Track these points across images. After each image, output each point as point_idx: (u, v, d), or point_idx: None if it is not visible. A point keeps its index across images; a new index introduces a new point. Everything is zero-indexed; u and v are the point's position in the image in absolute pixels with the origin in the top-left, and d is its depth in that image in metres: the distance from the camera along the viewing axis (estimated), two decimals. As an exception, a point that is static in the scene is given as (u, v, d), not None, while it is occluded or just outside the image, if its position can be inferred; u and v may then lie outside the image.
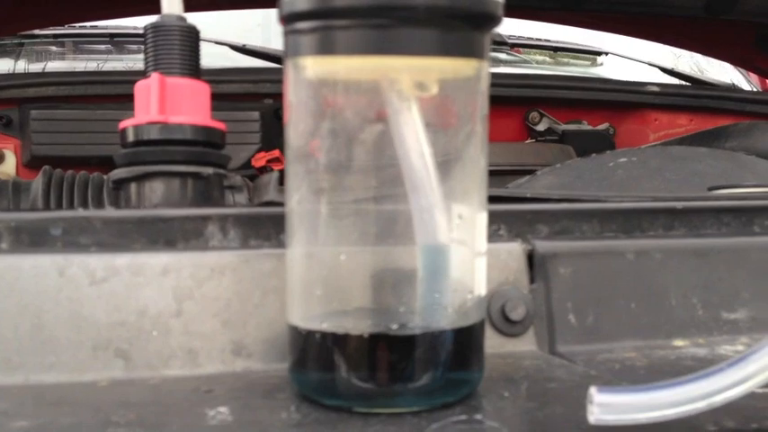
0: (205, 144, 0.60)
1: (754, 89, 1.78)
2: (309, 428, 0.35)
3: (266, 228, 0.47)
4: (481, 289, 0.39)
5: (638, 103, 1.48)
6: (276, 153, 1.21)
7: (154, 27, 0.61)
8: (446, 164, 0.38)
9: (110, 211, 0.47)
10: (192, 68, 0.61)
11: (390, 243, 0.38)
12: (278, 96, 1.27)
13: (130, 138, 0.59)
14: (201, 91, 0.61)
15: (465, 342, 0.38)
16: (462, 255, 0.38)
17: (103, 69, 1.55)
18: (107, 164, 1.08)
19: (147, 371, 0.41)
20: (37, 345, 0.41)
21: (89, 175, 0.78)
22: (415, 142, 0.37)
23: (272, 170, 1.22)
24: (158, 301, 0.42)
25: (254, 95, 1.25)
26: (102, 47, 1.76)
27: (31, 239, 0.44)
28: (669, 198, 0.54)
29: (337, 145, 0.38)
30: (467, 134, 0.38)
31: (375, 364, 0.37)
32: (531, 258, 0.48)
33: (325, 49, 0.37)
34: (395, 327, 0.37)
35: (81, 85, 1.24)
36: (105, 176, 0.78)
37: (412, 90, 0.37)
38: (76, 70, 1.53)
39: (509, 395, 0.39)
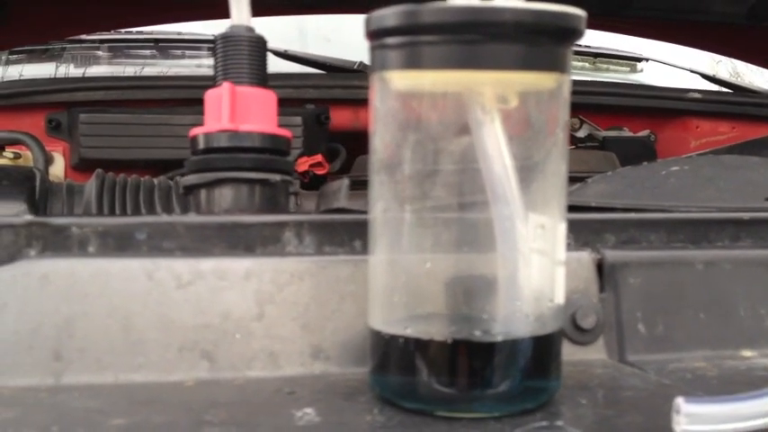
0: (272, 151, 0.61)
1: (796, 96, 1.76)
2: (396, 431, 0.36)
3: (340, 234, 0.48)
4: (560, 298, 0.40)
5: (680, 109, 1.47)
6: (319, 158, 1.23)
7: (224, 37, 0.62)
8: (528, 174, 0.39)
9: (191, 217, 0.48)
10: (260, 77, 0.62)
11: (472, 251, 0.39)
12: (319, 101, 1.30)
13: (201, 145, 0.61)
14: (269, 99, 0.63)
15: (544, 350, 0.39)
16: (543, 263, 0.39)
17: (148, 74, 1.58)
18: (154, 167, 1.10)
19: (231, 372, 0.43)
20: (126, 345, 0.42)
21: (140, 179, 0.80)
22: (497, 153, 0.38)
23: (314, 175, 1.24)
24: (241, 305, 0.44)
25: (295, 100, 1.27)
26: (147, 52, 1.79)
27: (117, 244, 0.46)
28: (735, 209, 0.54)
29: (422, 155, 0.39)
30: (548, 145, 0.39)
31: (457, 369, 0.38)
32: (600, 267, 0.49)
33: (413, 63, 0.38)
34: (478, 333, 0.38)
35: (128, 90, 1.26)
36: (155, 180, 0.80)
37: (494, 103, 0.38)
38: (123, 75, 1.56)
39: (586, 402, 0.40)
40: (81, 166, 1.18)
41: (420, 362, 0.38)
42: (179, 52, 1.78)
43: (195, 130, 0.61)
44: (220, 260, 0.45)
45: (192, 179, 0.61)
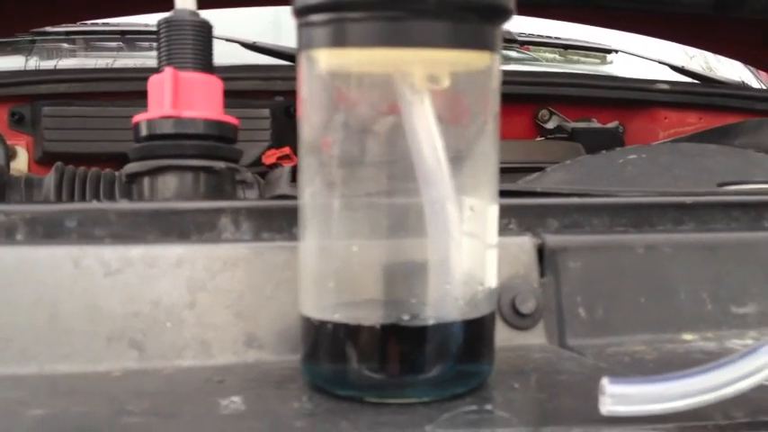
0: (217, 138, 0.61)
1: (764, 87, 1.77)
2: (321, 418, 0.35)
3: (278, 221, 0.47)
4: (492, 281, 0.39)
5: (648, 101, 1.48)
6: (287, 150, 1.22)
7: (167, 22, 0.61)
8: (458, 157, 0.38)
9: (123, 204, 0.47)
10: (205, 63, 0.61)
11: (402, 235, 0.38)
12: (288, 94, 1.28)
13: (144, 132, 0.60)
14: (214, 85, 0.62)
15: (476, 334, 0.38)
16: (473, 247, 0.39)
17: (115, 66, 1.56)
18: (118, 160, 1.09)
19: (161, 361, 0.42)
20: (52, 335, 0.41)
21: (101, 172, 0.79)
22: (427, 135, 0.37)
23: (282, 167, 1.23)
24: (172, 293, 0.43)
25: (264, 93, 1.25)
26: (114, 44, 1.77)
27: (46, 231, 0.45)
28: (678, 193, 0.54)
29: (350, 138, 0.38)
30: (479, 127, 0.39)
31: (386, 354, 0.37)
32: (541, 252, 0.48)
33: (338, 41, 0.38)
34: (406, 318, 0.37)
35: (93, 82, 1.24)
36: (117, 173, 0.79)
37: (424, 83, 0.38)
38: (88, 67, 1.54)
39: (519, 386, 0.39)
40: (45, 160, 1.17)
41: (350, 348, 0.37)
42: (146, 44, 1.76)
43: (137, 117, 0.60)
44: (151, 247, 0.44)
45: (134, 167, 0.60)
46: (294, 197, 0.50)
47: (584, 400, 0.37)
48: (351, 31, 0.37)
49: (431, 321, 0.37)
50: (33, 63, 1.56)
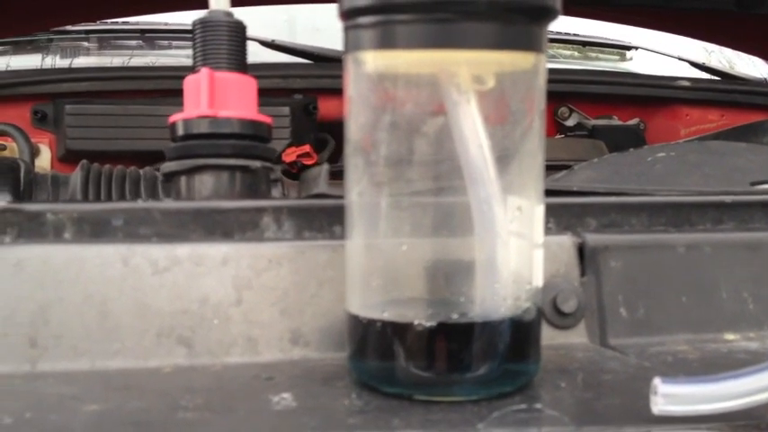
0: (253, 138, 0.61)
1: (787, 84, 1.76)
2: (373, 415, 0.36)
3: (319, 220, 0.48)
4: (538, 280, 0.40)
5: (669, 98, 1.47)
6: (306, 148, 1.22)
7: (202, 22, 0.61)
8: (504, 157, 0.38)
9: (168, 203, 0.48)
10: (240, 63, 0.62)
11: (449, 234, 0.39)
12: (307, 91, 1.29)
13: (180, 131, 0.60)
14: (249, 85, 0.62)
15: (523, 333, 0.39)
16: (520, 246, 0.39)
17: (135, 65, 1.56)
18: (140, 158, 1.10)
19: (209, 358, 0.42)
20: (102, 332, 0.42)
21: (126, 170, 0.80)
22: (473, 135, 0.38)
23: (302, 165, 1.23)
24: (219, 291, 0.43)
25: (283, 91, 1.26)
26: (133, 42, 1.78)
27: (93, 230, 0.45)
28: (717, 192, 0.54)
29: (397, 138, 0.38)
30: (525, 127, 0.39)
31: (435, 352, 0.37)
32: (581, 251, 0.48)
33: (386, 43, 0.38)
34: (455, 316, 0.37)
35: (114, 81, 1.25)
36: (141, 171, 0.80)
37: (470, 83, 0.38)
38: (109, 66, 1.55)
39: (566, 386, 0.40)
40: (67, 157, 1.18)
41: (397, 346, 0.38)
42: (166, 43, 1.77)
43: (174, 117, 0.61)
44: (197, 245, 0.44)
45: (171, 166, 0.60)
46: (334, 196, 0.51)
47: (632, 400, 0.37)
48: (398, 33, 0.37)
49: (479, 320, 0.37)
50: (51, 61, 1.57)
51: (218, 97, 0.60)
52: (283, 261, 0.45)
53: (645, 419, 0.34)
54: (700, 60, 1.79)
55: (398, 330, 0.38)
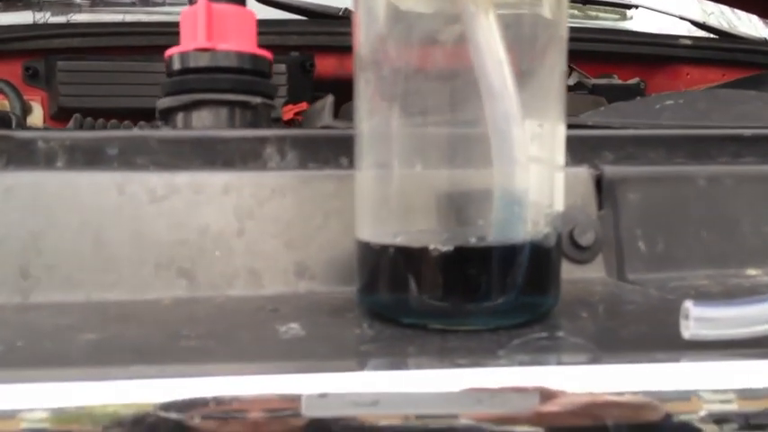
0: (253, 72, 0.58)
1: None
2: (386, 343, 0.34)
3: (324, 151, 0.46)
4: (559, 205, 0.38)
5: (670, 56, 1.44)
6: (304, 106, 1.19)
7: (199, -48, 0.59)
8: (524, 73, 0.36)
9: (166, 131, 0.45)
10: (239, -5, 0.59)
11: (467, 156, 0.36)
12: (303, 49, 1.26)
13: (177, 65, 0.58)
14: (248, 18, 0.59)
15: (542, 258, 0.37)
16: (540, 167, 0.37)
17: (129, 21, 1.53)
18: (134, 116, 1.07)
19: (211, 290, 0.40)
20: (98, 263, 0.40)
21: (119, 124, 0.77)
22: (490, 48, 0.35)
23: (300, 123, 1.21)
24: (219, 220, 0.41)
25: (279, 47, 1.23)
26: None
27: (87, 158, 0.43)
28: (737, 126, 0.52)
29: (410, 51, 0.36)
30: (545, 40, 0.37)
31: (452, 279, 0.35)
32: (599, 183, 0.46)
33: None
34: (473, 240, 0.35)
35: (107, 37, 1.22)
36: (137, 125, 0.77)
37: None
38: (103, 21, 1.51)
39: (587, 315, 0.38)
40: (60, 115, 1.15)
41: (412, 272, 0.36)
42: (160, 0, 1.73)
43: (170, 51, 0.58)
44: (196, 174, 0.42)
45: (167, 102, 0.58)
46: (340, 127, 0.49)
47: (658, 327, 0.35)
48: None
49: (498, 243, 0.35)
50: (45, 18, 1.53)
51: (217, 30, 0.57)
52: (287, 191, 0.43)
53: (675, 345, 0.32)
54: (699, 21, 1.75)
55: (413, 256, 0.36)
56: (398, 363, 0.31)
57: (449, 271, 0.35)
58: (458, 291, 0.35)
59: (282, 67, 1.19)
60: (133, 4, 1.72)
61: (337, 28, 1.25)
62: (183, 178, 0.42)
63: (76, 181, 0.41)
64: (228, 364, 0.31)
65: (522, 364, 0.30)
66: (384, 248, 0.36)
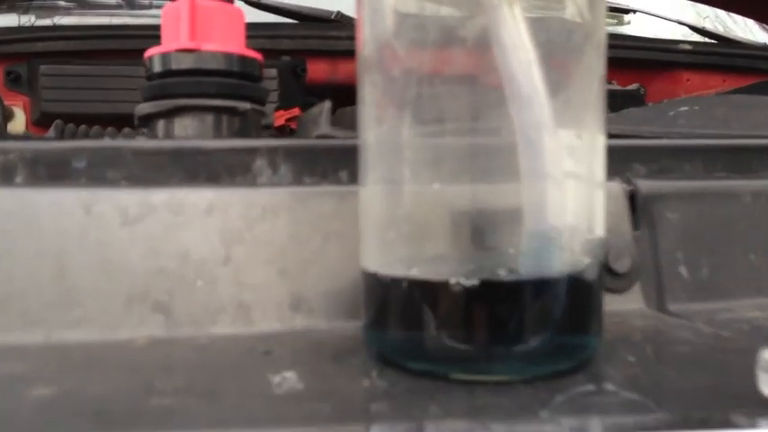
0: (241, 76, 0.53)
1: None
2: (403, 400, 0.28)
3: (322, 163, 0.40)
4: (600, 229, 0.32)
5: (670, 62, 1.40)
6: (296, 111, 1.15)
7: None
8: (557, 75, 0.31)
9: (142, 142, 0.40)
10: (226, -10, 0.54)
11: (492, 170, 0.31)
12: (295, 53, 1.21)
13: (157, 67, 0.52)
14: (236, 16, 0.54)
15: (584, 292, 0.31)
16: (578, 185, 0.31)
17: (114, 24, 1.47)
18: (119, 122, 1.02)
19: (192, 328, 0.35)
20: (60, 295, 0.34)
21: (103, 130, 0.72)
22: (517, 47, 0.30)
23: (292, 129, 1.16)
24: (202, 245, 0.36)
25: (270, 52, 1.18)
26: (113, 1, 1.68)
27: (50, 173, 0.37)
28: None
29: (424, 50, 0.30)
30: (581, 36, 0.31)
31: (478, 318, 0.30)
32: (633, 200, 0.41)
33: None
34: (502, 272, 0.30)
35: (92, 40, 1.17)
36: (121, 132, 0.72)
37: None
38: (87, 24, 1.46)
39: (636, 360, 0.32)
40: (43, 120, 1.09)
41: (430, 310, 0.30)
42: (146, 2, 1.68)
43: (150, 51, 0.52)
44: (176, 191, 0.36)
45: (146, 108, 0.52)
46: (339, 137, 0.43)
47: (724, 377, 0.30)
48: None
49: (532, 277, 0.30)
50: (28, 21, 1.48)
51: (201, 28, 0.52)
52: (281, 210, 0.37)
53: (756, 402, 0.26)
54: (697, 25, 1.71)
55: (430, 291, 0.30)
56: (419, 428, 0.25)
57: (474, 309, 0.30)
58: (485, 332, 0.30)
59: (273, 72, 1.15)
60: (119, 7, 1.67)
61: (329, 32, 1.21)
62: (160, 196, 0.36)
63: (36, 199, 0.35)
64: None
65: (572, 430, 0.25)
66: (396, 282, 0.31)
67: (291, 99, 1.16)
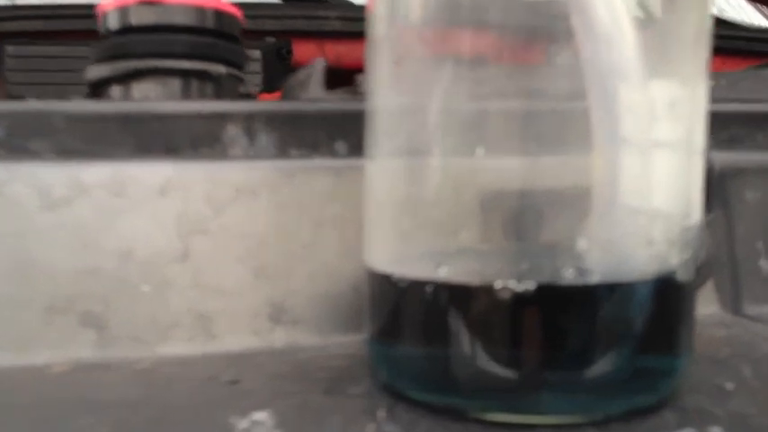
0: (215, 34, 0.44)
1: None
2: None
3: (313, 132, 0.31)
4: (697, 213, 0.23)
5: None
6: (279, 95, 1.09)
7: None
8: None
9: (78, 103, 0.31)
10: (197, -69, 0.45)
11: (553, 136, 0.22)
12: (279, 34, 1.14)
13: (113, 24, 0.43)
14: (209, -38, 0.45)
15: (676, 299, 0.23)
16: (673, 156, 0.23)
17: (85, 2, 1.40)
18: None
19: (133, 348, 0.26)
20: (-45, 305, 0.25)
21: None
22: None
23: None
24: (152, 237, 0.27)
25: (253, 33, 1.12)
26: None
27: (-46, 143, 0.28)
28: None
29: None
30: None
31: (533, 335, 0.21)
32: (708, 177, 0.32)
33: None
34: (569, 273, 0.21)
35: (61, 20, 1.10)
36: None
37: None
38: (56, 3, 1.39)
39: (735, 389, 0.24)
40: None
41: (463, 325, 0.21)
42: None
43: (103, 5, 0.44)
44: (120, 166, 0.28)
45: (99, 71, 0.43)
46: (335, 99, 0.35)
47: None
48: None
49: (608, 280, 0.21)
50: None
51: (166, -25, 0.43)
52: (260, 190, 0.28)
53: None
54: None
55: (466, 298, 0.21)
56: None
57: (527, 322, 0.21)
58: (540, 353, 0.21)
59: (257, 54, 1.09)
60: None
61: (316, 12, 1.15)
62: (97, 172, 0.27)
63: (-72, 176, 0.26)
64: None
65: None
66: (416, 286, 0.22)
67: (276, 83, 1.10)
